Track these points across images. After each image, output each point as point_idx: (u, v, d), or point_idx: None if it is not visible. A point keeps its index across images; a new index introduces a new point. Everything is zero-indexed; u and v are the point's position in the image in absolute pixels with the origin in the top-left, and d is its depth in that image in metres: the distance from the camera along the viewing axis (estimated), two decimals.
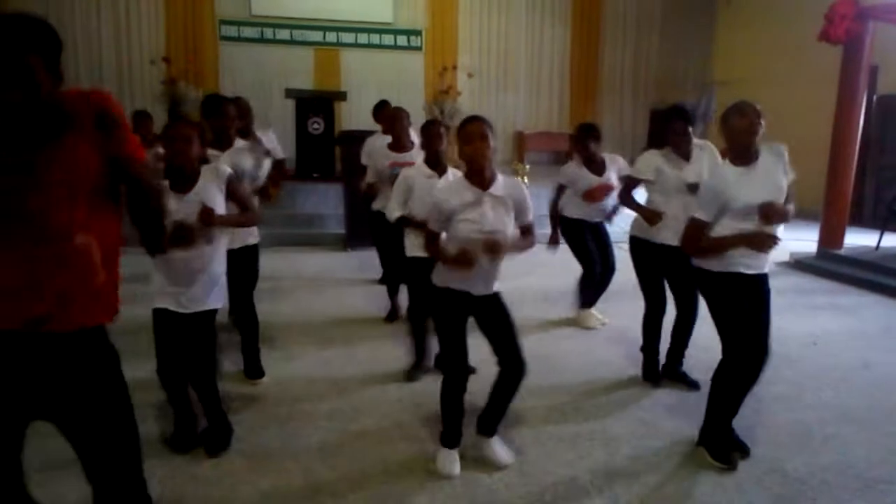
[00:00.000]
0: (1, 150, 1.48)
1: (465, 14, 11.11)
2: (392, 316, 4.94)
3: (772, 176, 2.81)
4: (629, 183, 3.90)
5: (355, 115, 10.05)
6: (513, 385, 2.80)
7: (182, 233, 2.39)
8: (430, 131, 3.66)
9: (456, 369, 2.83)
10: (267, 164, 3.83)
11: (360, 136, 7.42)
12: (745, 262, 2.82)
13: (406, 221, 3.59)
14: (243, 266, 3.56)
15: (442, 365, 3.00)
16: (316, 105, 8.72)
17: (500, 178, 2.72)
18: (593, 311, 4.97)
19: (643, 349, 3.93)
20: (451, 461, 2.85)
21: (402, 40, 10.80)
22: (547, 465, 2.89)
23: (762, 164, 2.81)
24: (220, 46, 10.12)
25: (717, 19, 11.87)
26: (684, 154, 3.64)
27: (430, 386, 3.70)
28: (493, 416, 2.89)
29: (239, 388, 3.58)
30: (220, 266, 2.89)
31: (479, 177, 2.68)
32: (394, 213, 3.65)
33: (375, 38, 10.67)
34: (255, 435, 3.10)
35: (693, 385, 3.73)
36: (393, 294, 4.97)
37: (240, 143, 3.64)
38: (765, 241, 2.69)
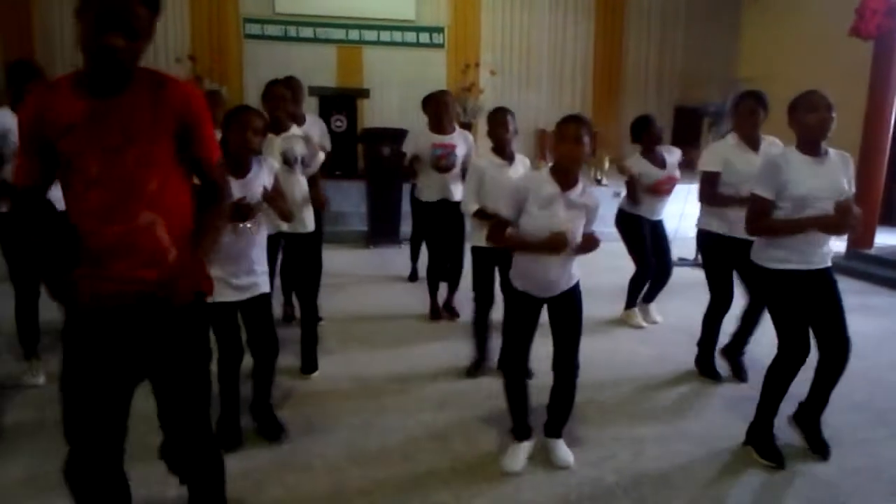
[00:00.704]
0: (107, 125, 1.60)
1: (487, 11, 11.05)
2: (436, 314, 4.88)
3: (838, 177, 2.76)
4: (708, 178, 3.65)
5: (378, 112, 10.05)
6: (567, 390, 2.83)
7: (242, 210, 2.65)
8: (496, 119, 3.64)
9: (514, 372, 2.86)
10: (321, 157, 3.82)
11: (382, 134, 7.49)
12: (800, 259, 2.77)
13: (484, 214, 3.54)
14: (302, 256, 3.65)
15: (503, 361, 2.99)
16: (339, 103, 8.73)
17: (581, 184, 2.70)
18: (651, 308, 4.93)
19: (700, 344, 3.89)
20: (515, 456, 2.85)
21: (424, 38, 10.78)
22: (571, 466, 2.87)
23: (830, 161, 2.77)
24: (244, 44, 10.18)
25: (743, 16, 11.68)
26: (754, 143, 3.56)
27: (458, 386, 3.70)
28: (555, 419, 2.91)
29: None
30: (263, 251, 2.91)
31: (563, 176, 2.65)
32: (470, 206, 3.64)
33: (398, 36, 10.66)
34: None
35: (743, 378, 3.69)
36: (434, 290, 4.90)
37: (295, 129, 3.64)
38: (842, 221, 2.60)
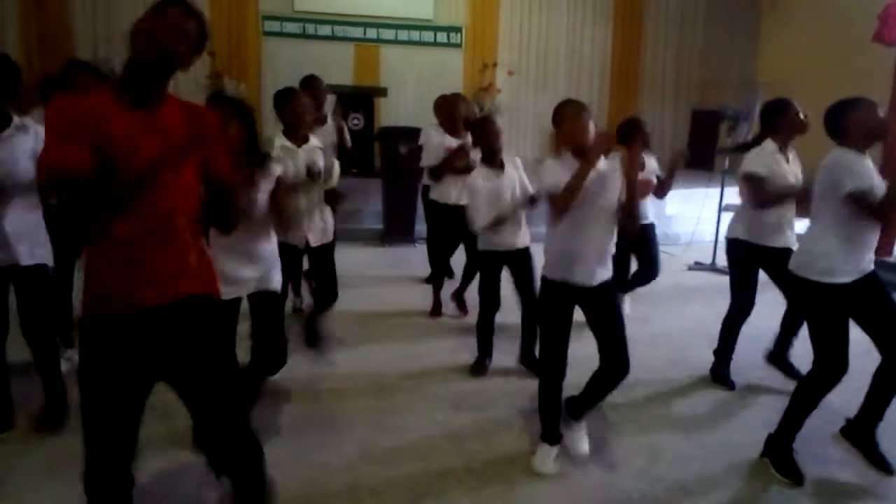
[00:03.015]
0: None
1: (505, 11, 11.04)
2: (436, 310, 4.94)
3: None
4: (759, 182, 3.50)
5: (395, 111, 10.07)
6: (612, 383, 2.81)
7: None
8: (488, 128, 3.67)
9: (552, 372, 2.83)
10: (337, 169, 3.83)
11: (399, 132, 7.50)
12: (847, 269, 2.76)
13: (496, 221, 3.60)
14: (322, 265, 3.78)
15: (540, 362, 2.97)
16: (356, 101, 8.77)
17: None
18: (626, 298, 4.86)
19: (717, 351, 3.88)
20: (547, 459, 2.85)
21: (441, 37, 10.79)
22: (586, 469, 2.87)
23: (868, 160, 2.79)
24: (263, 41, 10.24)
25: (762, 20, 11.60)
26: (786, 150, 3.57)
27: (472, 385, 3.71)
28: (584, 403, 2.91)
29: (276, 384, 3.57)
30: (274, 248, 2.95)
31: (583, 154, 2.65)
32: (479, 223, 3.63)
33: (416, 35, 10.67)
34: (294, 430, 3.13)
35: (797, 376, 3.65)
36: (438, 289, 4.97)
37: (314, 140, 3.62)
38: None
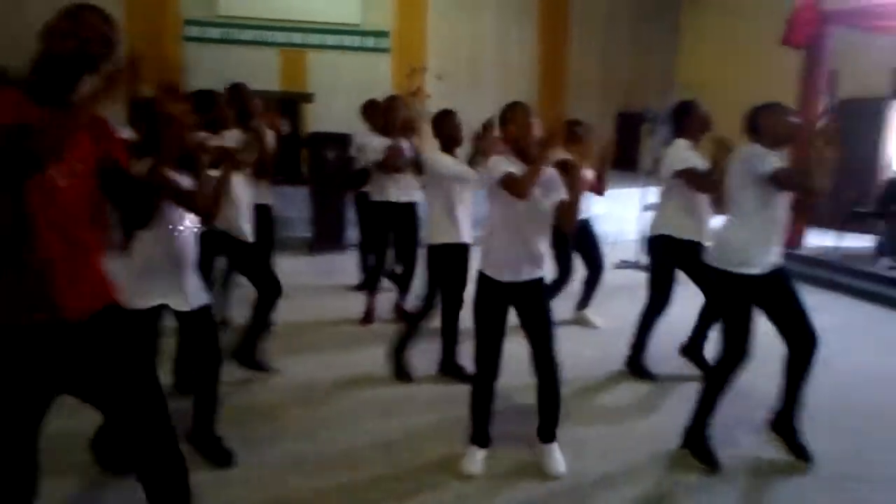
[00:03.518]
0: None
1: (433, 16, 11.09)
2: (369, 318, 4.89)
3: None
4: (688, 173, 3.64)
5: (322, 117, 9.93)
6: (550, 386, 2.81)
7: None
8: (450, 121, 3.74)
9: (484, 374, 2.83)
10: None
11: (327, 138, 7.40)
12: (758, 261, 2.87)
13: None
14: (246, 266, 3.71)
15: (475, 362, 2.92)
16: (282, 107, 8.60)
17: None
18: (587, 313, 5.02)
19: (632, 345, 3.99)
20: (474, 461, 2.84)
21: (369, 42, 10.74)
22: (515, 469, 2.88)
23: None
24: (184, 47, 9.95)
25: (682, 22, 12.05)
26: (696, 149, 3.73)
27: (402, 392, 3.68)
28: (547, 420, 2.88)
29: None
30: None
31: (523, 155, 2.73)
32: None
33: (343, 40, 10.59)
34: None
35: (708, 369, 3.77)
36: (372, 295, 4.92)
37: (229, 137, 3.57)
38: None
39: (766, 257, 2.90)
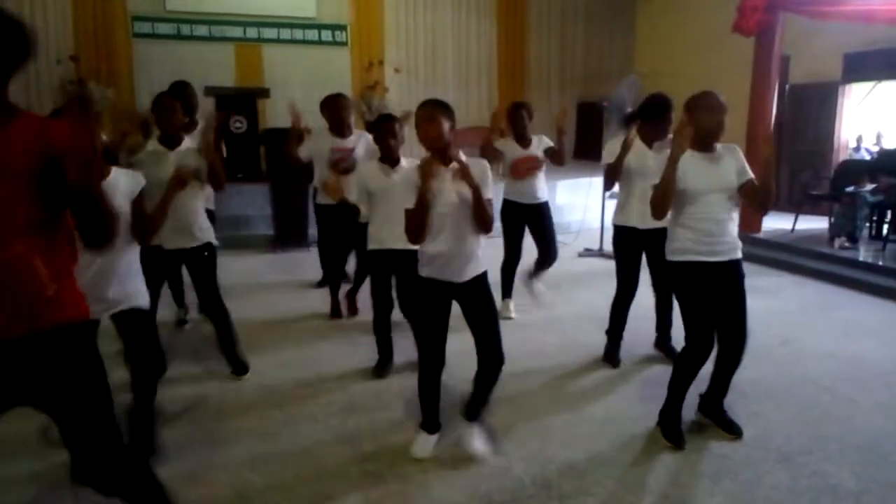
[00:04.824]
0: None
1: (390, 9, 11.00)
2: (336, 312, 4.86)
3: (726, 171, 2.91)
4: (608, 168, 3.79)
5: (280, 112, 9.76)
6: (491, 376, 2.82)
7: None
8: (380, 127, 3.62)
9: (429, 365, 2.83)
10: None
11: (285, 134, 7.25)
12: (703, 250, 2.88)
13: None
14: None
15: (418, 353, 2.93)
16: (238, 103, 8.44)
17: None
18: (535, 283, 4.98)
19: (608, 332, 4.01)
20: (425, 445, 2.89)
21: (326, 35, 10.61)
22: (480, 459, 2.87)
23: (719, 157, 2.92)
24: (134, 44, 9.70)
25: (637, 11, 12.18)
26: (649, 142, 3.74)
27: (366, 387, 3.66)
28: (474, 403, 2.90)
29: (158, 405, 3.39)
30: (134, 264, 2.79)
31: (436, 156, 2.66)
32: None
33: (299, 34, 10.44)
34: (177, 451, 2.91)
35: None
36: (335, 291, 4.89)
37: (188, 141, 3.50)
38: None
39: (704, 246, 2.88)
